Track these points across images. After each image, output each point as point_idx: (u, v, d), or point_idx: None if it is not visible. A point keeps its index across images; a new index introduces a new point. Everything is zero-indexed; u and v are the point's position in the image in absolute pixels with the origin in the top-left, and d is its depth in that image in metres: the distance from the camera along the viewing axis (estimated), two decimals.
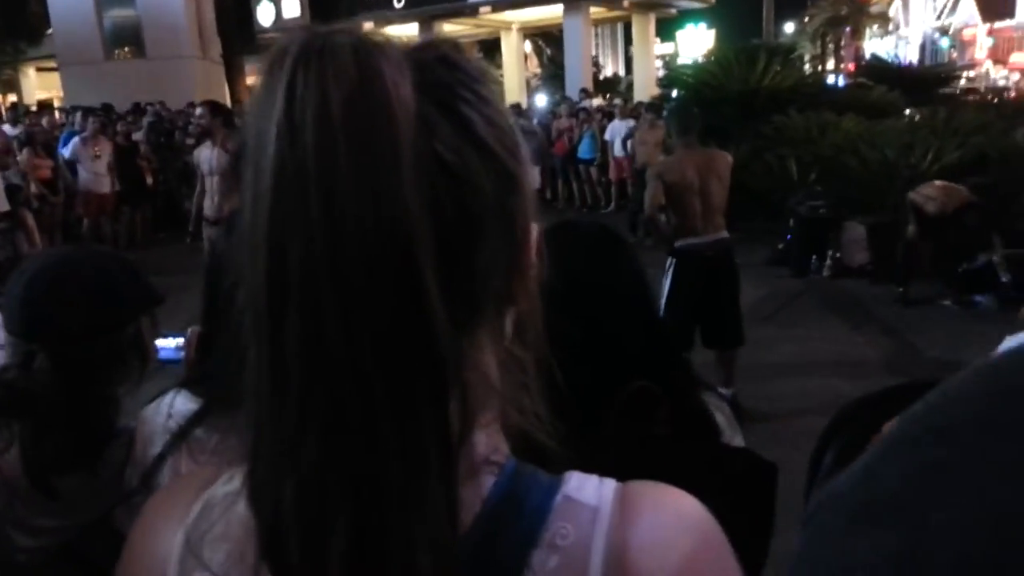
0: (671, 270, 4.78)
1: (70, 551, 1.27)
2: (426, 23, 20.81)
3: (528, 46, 29.91)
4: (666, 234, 4.86)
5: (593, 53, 29.87)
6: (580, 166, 13.14)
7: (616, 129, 12.50)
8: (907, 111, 11.72)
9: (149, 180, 11.88)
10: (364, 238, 0.45)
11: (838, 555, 0.22)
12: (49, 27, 19.79)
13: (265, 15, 22.03)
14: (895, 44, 47.70)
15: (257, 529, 0.50)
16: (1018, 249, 6.52)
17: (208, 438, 1.01)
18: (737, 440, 1.24)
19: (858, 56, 32.60)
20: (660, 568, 0.51)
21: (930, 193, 6.70)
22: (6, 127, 11.62)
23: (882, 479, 0.22)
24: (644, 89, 19.08)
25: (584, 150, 12.91)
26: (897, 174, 7.82)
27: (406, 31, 23.13)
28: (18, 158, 9.62)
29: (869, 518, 0.22)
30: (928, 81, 15.86)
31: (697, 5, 23.08)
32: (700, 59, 14.35)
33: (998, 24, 47.34)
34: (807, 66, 17.14)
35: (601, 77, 37.60)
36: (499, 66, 27.02)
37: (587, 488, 0.54)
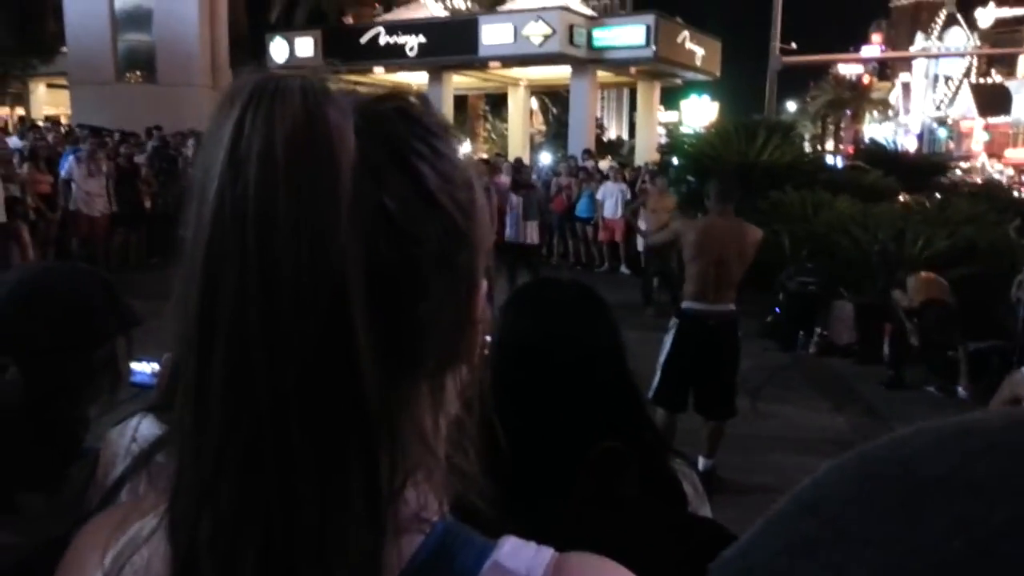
0: (673, 331, 4.79)
1: (24, 569, 1.25)
2: (436, 73, 21.16)
3: (535, 103, 30.35)
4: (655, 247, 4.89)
5: (598, 115, 30.33)
6: (577, 224, 13.27)
7: (608, 190, 12.66)
8: (901, 196, 11.93)
9: (148, 203, 11.92)
10: (297, 279, 0.45)
11: None
12: (64, 45, 20.01)
13: (279, 52, 22.34)
14: (894, 130, 48.60)
15: (172, 564, 0.49)
16: (998, 341, 6.58)
17: (169, 464, 1.01)
18: (704, 510, 1.24)
19: (857, 139, 33.18)
20: None
21: (911, 284, 6.81)
22: (11, 139, 11.68)
23: (757, 551, 0.24)
24: (645, 154, 19.38)
25: (582, 209, 13.06)
26: (887, 258, 7.91)
27: (417, 79, 23.51)
28: (19, 171, 9.65)
29: None
30: (924, 169, 16.15)
31: (702, 78, 23.52)
32: (701, 129, 14.59)
33: (994, 119, 48.37)
34: (807, 145, 17.42)
35: (605, 139, 38.12)
36: (505, 120, 27.40)
37: (520, 556, 0.52)
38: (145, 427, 1.12)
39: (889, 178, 12.71)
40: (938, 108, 55.10)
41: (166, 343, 0.50)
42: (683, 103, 46.09)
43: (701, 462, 4.69)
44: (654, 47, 18.75)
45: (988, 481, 0.20)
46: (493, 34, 19.32)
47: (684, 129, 17.38)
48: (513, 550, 0.53)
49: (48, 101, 26.36)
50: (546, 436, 1.16)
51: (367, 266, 0.46)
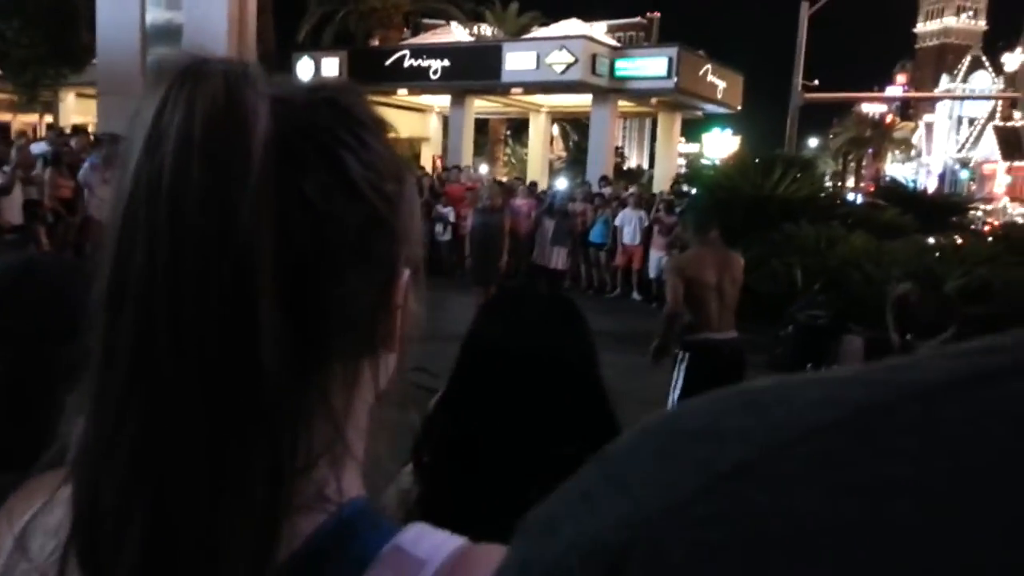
0: (683, 364, 4.75)
1: None
2: (459, 96, 21.35)
3: (555, 129, 30.53)
4: (675, 334, 4.81)
5: (619, 144, 30.46)
6: (590, 249, 13.29)
7: (627, 217, 12.69)
8: (917, 235, 11.87)
9: None
10: (203, 253, 0.46)
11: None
12: (95, 56, 20.37)
13: (304, 71, 22.63)
14: (916, 170, 48.44)
15: (72, 521, 0.50)
16: None
17: None
18: None
19: (878, 177, 33.10)
20: None
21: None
22: (35, 145, 11.88)
23: (551, 503, 0.26)
24: (663, 183, 19.42)
25: (596, 234, 13.08)
26: (905, 304, 7.86)
27: (439, 101, 23.73)
28: (41, 175, 9.81)
29: (526, 530, 0.26)
30: (942, 208, 16.06)
31: (723, 111, 23.60)
32: (719, 162, 14.63)
33: (1017, 163, 48.10)
34: (827, 181, 17.41)
35: (624, 167, 38.28)
36: (525, 144, 27.57)
37: (424, 542, 0.52)
38: None
39: (906, 216, 12.66)
40: (960, 150, 54.91)
41: None
42: (704, 135, 46.22)
43: None
44: (675, 78, 18.83)
45: (729, 430, 0.22)
46: (516, 60, 19.49)
47: (704, 161, 17.39)
48: (418, 535, 0.53)
49: (77, 110, 26.78)
50: (510, 441, 1.17)
51: (277, 247, 0.47)
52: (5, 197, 8.55)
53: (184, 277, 0.46)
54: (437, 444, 1.24)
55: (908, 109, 62.70)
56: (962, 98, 52.95)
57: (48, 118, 26.32)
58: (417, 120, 27.16)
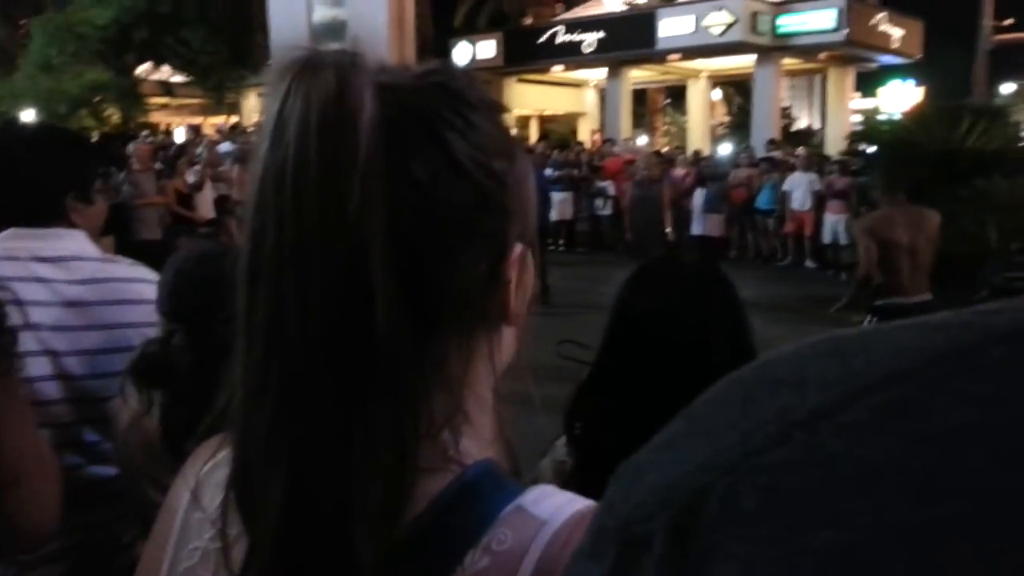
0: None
1: None
2: (615, 68, 21.09)
3: (716, 93, 29.53)
4: (865, 297, 4.74)
5: (786, 104, 29.04)
6: (757, 217, 12.80)
7: (796, 181, 12.10)
8: None
9: None
10: (323, 233, 0.50)
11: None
12: (269, 58, 21.71)
13: (462, 56, 23.09)
14: None
15: (229, 474, 0.56)
16: None
17: None
18: None
19: None
20: None
21: None
22: (223, 145, 12.83)
23: (644, 450, 0.26)
24: (836, 143, 18.35)
25: (763, 200, 12.57)
26: None
27: (595, 75, 23.53)
28: (230, 172, 10.59)
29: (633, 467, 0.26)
30: None
31: (901, 61, 21.95)
32: (899, 116, 13.60)
33: None
34: None
35: (793, 129, 36.46)
36: (685, 112, 26.87)
37: (545, 503, 0.54)
38: None
39: None
40: None
41: None
42: (881, 89, 43.17)
43: None
44: (846, 31, 17.70)
45: (810, 378, 0.22)
46: (672, 26, 18.97)
47: (881, 116, 16.22)
48: (540, 496, 0.55)
49: (258, 109, 28.70)
50: (660, 411, 1.14)
51: (388, 225, 0.51)
52: (198, 194, 9.31)
53: (308, 255, 0.50)
54: (590, 415, 1.23)
55: None
56: None
57: (234, 118, 28.37)
58: (574, 95, 27.08)
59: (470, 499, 0.54)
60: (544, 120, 30.98)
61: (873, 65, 22.34)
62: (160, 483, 1.41)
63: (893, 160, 10.43)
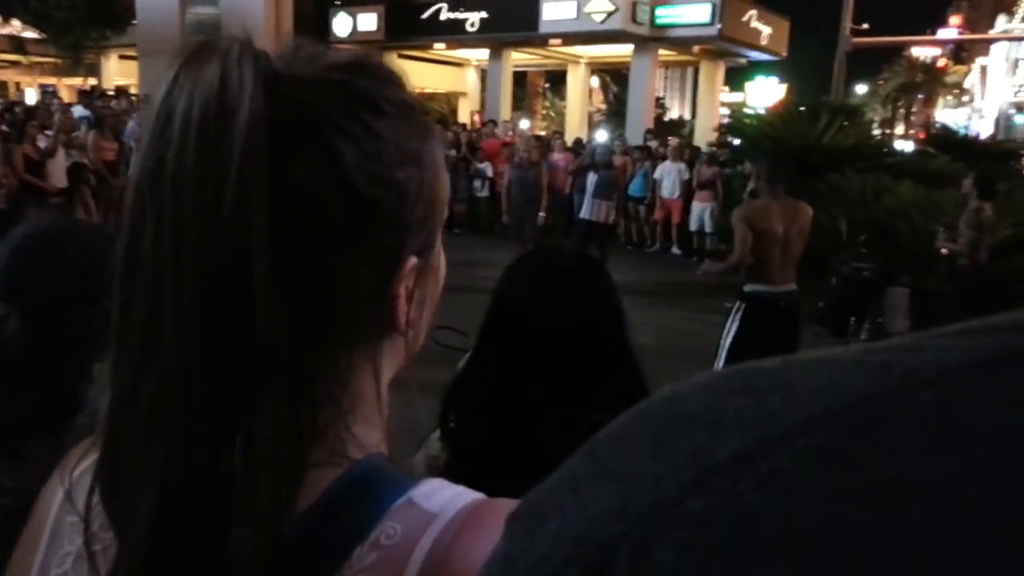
0: (739, 315, 4.82)
1: (25, 513, 1.30)
2: (497, 49, 21.09)
3: (595, 81, 30.05)
4: (726, 273, 5.03)
5: (660, 94, 29.90)
6: (629, 204, 13.14)
7: (667, 170, 12.49)
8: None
9: None
10: (200, 233, 0.48)
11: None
12: (134, 18, 20.50)
13: (342, 27, 22.54)
14: (968, 116, 46.87)
15: (94, 475, 0.54)
16: None
17: None
18: None
19: (929, 124, 32.09)
20: None
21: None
22: (76, 108, 12.04)
23: (541, 491, 0.25)
24: (706, 134, 19.05)
25: (635, 188, 12.91)
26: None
27: (477, 55, 23.46)
28: (83, 137, 9.94)
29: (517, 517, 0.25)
30: (995, 155, 15.51)
31: (767, 58, 22.97)
32: (764, 111, 14.25)
33: None
34: (876, 129, 16.86)
35: (666, 118, 37.59)
36: (564, 97, 27.21)
37: (437, 496, 0.53)
38: None
39: (957, 164, 12.26)
40: (1017, 93, 52.92)
41: None
42: (748, 84, 45.10)
43: None
44: (719, 25, 18.35)
45: (727, 417, 0.21)
46: (555, 10, 19.14)
47: (747, 110, 16.97)
48: (432, 489, 0.54)
49: (119, 72, 27.06)
50: (534, 405, 1.15)
51: (269, 230, 0.49)
52: (50, 161, 8.70)
53: (185, 255, 0.48)
54: (463, 408, 1.23)
55: (962, 52, 60.48)
56: (1021, 39, 50.84)
57: (92, 80, 26.66)
58: (455, 75, 26.93)
59: (359, 493, 0.53)
60: (424, 98, 30.69)
61: (742, 60, 23.30)
62: None
63: (751, 152, 10.95)
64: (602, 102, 35.97)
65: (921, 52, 49.16)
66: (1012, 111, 52.03)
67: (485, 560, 0.25)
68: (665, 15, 18.96)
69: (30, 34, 23.32)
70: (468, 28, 20.44)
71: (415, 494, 0.53)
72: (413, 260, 0.57)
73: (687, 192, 12.28)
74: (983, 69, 56.14)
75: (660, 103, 31.96)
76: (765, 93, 42.50)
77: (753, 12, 20.07)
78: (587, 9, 18.52)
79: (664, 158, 12.93)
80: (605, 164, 9.76)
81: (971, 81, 55.82)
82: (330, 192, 0.51)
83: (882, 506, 0.18)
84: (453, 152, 13.83)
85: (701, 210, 11.91)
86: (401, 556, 0.51)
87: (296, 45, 0.56)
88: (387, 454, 0.58)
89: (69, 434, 1.33)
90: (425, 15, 21.13)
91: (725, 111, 21.41)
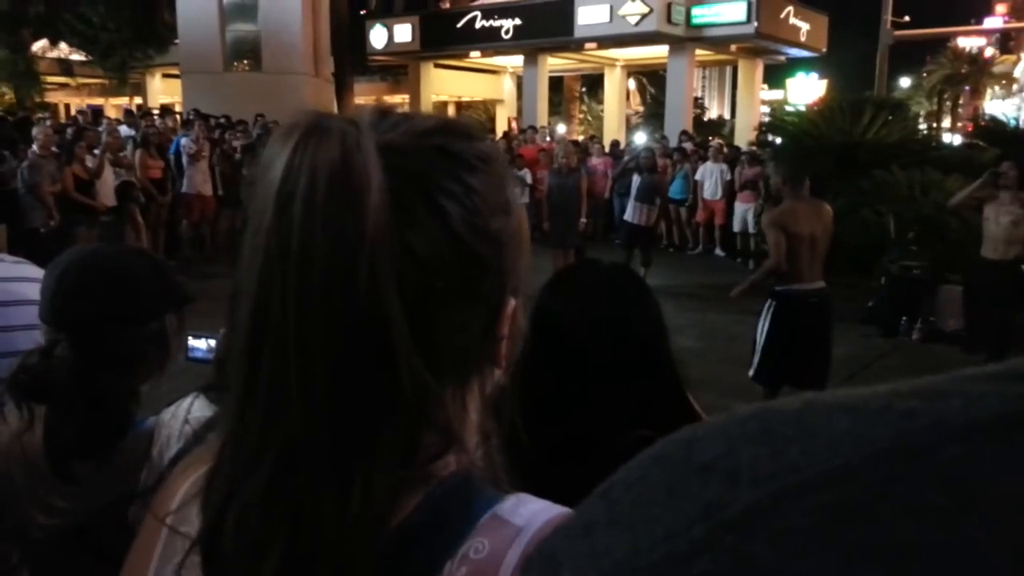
0: (770, 312, 4.99)
1: (82, 533, 1.31)
2: (532, 55, 21.11)
3: (632, 83, 29.91)
4: (763, 281, 5.10)
5: (699, 94, 29.65)
6: (670, 206, 13.04)
7: (707, 171, 12.37)
8: None
9: None
10: (331, 309, 0.51)
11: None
12: (177, 37, 20.93)
13: (378, 38, 22.76)
14: (1018, 107, 45.72)
15: (200, 531, 0.57)
16: None
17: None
18: None
19: (976, 116, 31.35)
20: None
21: None
22: (122, 127, 12.30)
23: (556, 534, 0.24)
24: (746, 134, 18.84)
25: (676, 190, 12.81)
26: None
27: (512, 61, 23.51)
28: (130, 157, 10.15)
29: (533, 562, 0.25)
30: None
31: (807, 54, 22.64)
32: (805, 108, 14.03)
33: None
34: (921, 122, 16.48)
35: (705, 119, 37.27)
36: (601, 101, 27.12)
37: (522, 510, 0.56)
38: (197, 408, 1.16)
39: (1008, 157, 11.94)
40: None
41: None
42: (788, 81, 44.51)
43: None
44: (755, 23, 18.13)
45: (742, 468, 0.20)
46: (589, 15, 19.09)
47: (788, 107, 16.69)
48: (517, 503, 0.56)
49: (163, 90, 27.69)
50: (577, 421, 1.13)
51: (399, 301, 0.52)
52: (98, 180, 8.89)
53: (314, 330, 0.51)
54: (507, 425, 1.21)
55: (1009, 41, 59.02)
56: None
57: (138, 99, 27.28)
58: (491, 82, 27.03)
59: (448, 509, 0.56)
60: (461, 106, 30.84)
61: (781, 58, 22.99)
62: (45, 504, 1.33)
63: (797, 153, 10.78)
64: (639, 104, 35.79)
65: (967, 43, 48.09)
66: None
67: None
68: (701, 15, 18.79)
69: (77, 56, 23.93)
70: (503, 35, 20.48)
71: (501, 508, 0.55)
72: (513, 302, 0.62)
73: (729, 193, 12.15)
74: None
75: (699, 103, 31.70)
76: (806, 90, 41.90)
77: (790, 8, 19.80)
78: (621, 12, 18.44)
79: (703, 159, 12.81)
80: (649, 167, 9.69)
81: (1020, 70, 54.40)
82: (444, 253, 0.54)
83: (901, 571, 0.17)
84: None
85: (744, 211, 11.78)
86: (490, 570, 0.52)
87: (380, 112, 0.58)
88: (477, 466, 0.60)
89: (119, 457, 1.35)
90: (460, 24, 21.24)
91: (765, 109, 21.15)
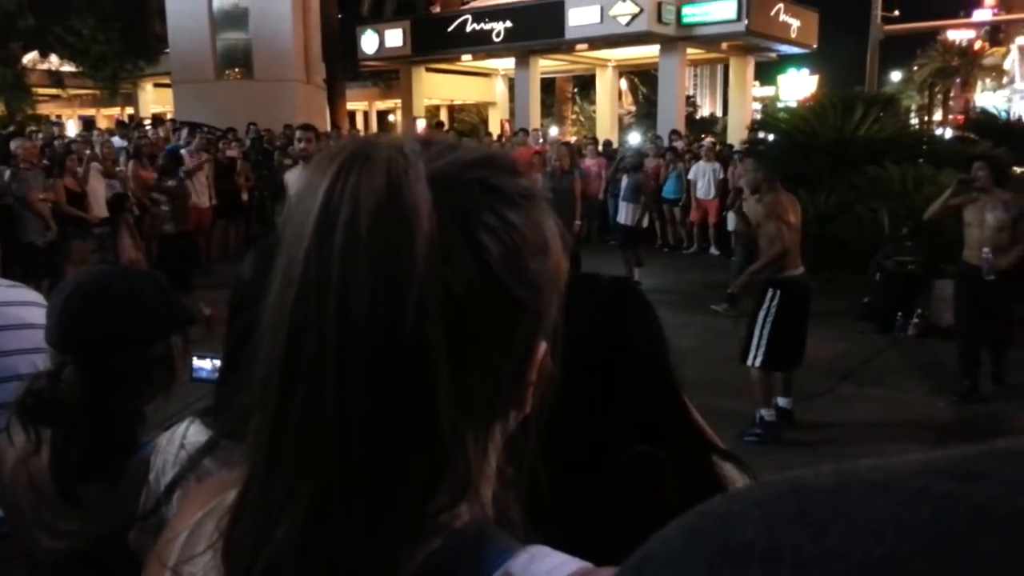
0: (775, 300, 5.22)
1: (87, 556, 1.32)
2: (523, 57, 21.13)
3: (624, 83, 29.93)
4: (765, 271, 5.31)
5: (691, 92, 29.68)
6: (664, 206, 13.06)
7: (700, 170, 12.39)
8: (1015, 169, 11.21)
9: (244, 196, 12.35)
10: (373, 345, 0.48)
11: None
12: (167, 47, 20.89)
13: (369, 44, 22.76)
14: (1009, 98, 45.80)
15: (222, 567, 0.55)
16: None
17: (216, 469, 1.04)
18: None
19: (967, 108, 31.44)
20: None
21: None
22: (114, 139, 12.28)
23: None
24: (739, 131, 18.86)
25: (669, 190, 12.83)
26: None
27: (504, 64, 23.51)
28: (122, 168, 10.13)
29: None
30: None
31: (798, 51, 22.69)
32: (797, 104, 14.08)
33: None
34: (913, 116, 16.53)
35: (697, 117, 37.34)
36: (593, 101, 27.14)
37: (535, 566, 0.52)
38: (192, 433, 1.16)
39: (999, 149, 11.97)
40: None
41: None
42: (780, 77, 44.60)
43: (784, 402, 5.38)
44: (746, 21, 18.17)
45: (783, 551, 0.20)
46: (580, 16, 19.11)
47: (780, 104, 16.74)
48: (531, 559, 0.53)
49: (155, 100, 27.63)
50: (581, 436, 1.14)
51: (444, 339, 0.49)
52: (91, 192, 8.88)
53: (354, 367, 0.48)
54: (507, 444, 1.22)
55: (999, 33, 59.23)
56: None
57: (129, 109, 27.23)
58: (483, 85, 27.03)
59: (458, 565, 0.53)
60: (453, 109, 30.84)
61: (772, 55, 23.03)
62: (52, 527, 1.34)
63: (780, 152, 10.80)
64: (632, 104, 35.82)
65: (956, 35, 48.22)
66: None
67: None
68: (691, 14, 18.82)
69: (68, 68, 23.89)
70: (494, 38, 20.49)
71: (513, 565, 0.52)
72: (544, 346, 0.58)
73: (722, 192, 12.17)
74: (1021, 50, 54.87)
75: (691, 101, 31.72)
76: (797, 85, 41.97)
77: (780, 5, 19.84)
78: (612, 12, 18.46)
79: (696, 157, 12.83)
80: (633, 167, 9.74)
81: (1010, 62, 54.57)
82: (482, 291, 0.51)
83: None
84: None
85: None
86: None
87: (424, 141, 0.55)
88: (491, 517, 0.57)
89: (125, 479, 1.35)
90: (451, 28, 21.25)
91: (758, 106, 21.17)
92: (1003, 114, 13.99)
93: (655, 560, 0.23)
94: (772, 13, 19.53)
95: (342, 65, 23.34)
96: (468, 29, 20.93)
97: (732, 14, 18.29)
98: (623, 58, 22.98)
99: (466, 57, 22.36)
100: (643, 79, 33.13)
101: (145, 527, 1.14)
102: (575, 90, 30.81)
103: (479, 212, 0.52)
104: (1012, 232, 5.75)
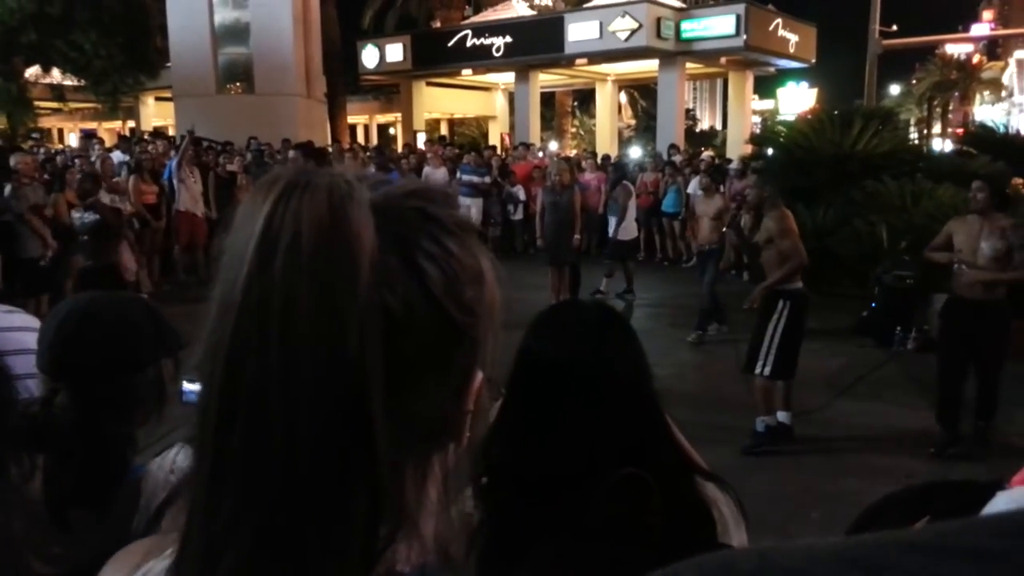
0: (787, 311, 5.33)
1: None
2: (523, 72, 21.22)
3: (623, 97, 30.03)
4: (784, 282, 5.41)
5: (690, 106, 29.78)
6: (664, 219, 13.07)
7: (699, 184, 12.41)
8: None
9: None
10: (315, 368, 0.48)
11: None
12: (168, 61, 20.97)
13: (370, 58, 22.87)
14: (1007, 111, 45.92)
15: None
16: None
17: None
18: (738, 535, 1.20)
19: (966, 121, 31.52)
20: None
21: None
22: (116, 154, 12.31)
23: None
24: (738, 145, 18.92)
25: (668, 204, 12.85)
26: None
27: (504, 78, 23.60)
28: (122, 182, 10.15)
29: None
30: None
31: (797, 65, 22.79)
32: (795, 117, 14.12)
33: None
34: (912, 130, 16.57)
35: (697, 130, 37.45)
36: (593, 115, 27.23)
37: None
38: (181, 459, 1.17)
39: (998, 164, 11.99)
40: None
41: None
42: (779, 91, 44.76)
43: (783, 416, 5.33)
44: (744, 36, 18.26)
45: None
46: (579, 31, 19.22)
47: (779, 117, 16.80)
48: None
49: (156, 113, 27.73)
50: (561, 461, 1.14)
51: (383, 362, 0.49)
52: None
53: (296, 390, 0.48)
54: (493, 465, 1.22)
55: (996, 47, 59.49)
56: None
57: (131, 123, 27.32)
58: (483, 99, 27.12)
59: None
60: (453, 123, 30.94)
61: (771, 69, 23.13)
62: (43, 552, 1.34)
63: (779, 167, 10.84)
64: (631, 118, 35.93)
65: (955, 49, 48.40)
66: None
67: None
68: (690, 29, 18.92)
69: (69, 82, 23.98)
70: (494, 53, 20.58)
71: None
72: (480, 375, 0.58)
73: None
74: (1019, 63, 55.08)
75: (690, 115, 31.80)
76: (797, 98, 42.09)
77: (779, 20, 19.95)
78: (611, 28, 18.56)
79: (695, 171, 12.87)
80: (615, 181, 9.90)
81: (1008, 76, 54.76)
82: (422, 315, 0.51)
83: None
84: (487, 179, 13.86)
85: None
86: None
87: (358, 174, 0.55)
88: (434, 557, 0.57)
89: (116, 504, 1.35)
90: (451, 42, 21.35)
91: (757, 119, 21.22)
92: (1001, 128, 13.98)
93: None
94: (770, 28, 19.63)
95: (343, 79, 23.44)
96: (468, 44, 21.02)
97: (731, 29, 18.38)
98: (623, 72, 23.08)
99: (466, 71, 22.46)
100: (643, 93, 33.26)
101: None
102: (575, 104, 30.92)
103: (419, 239, 0.53)
104: (1006, 262, 5.05)
